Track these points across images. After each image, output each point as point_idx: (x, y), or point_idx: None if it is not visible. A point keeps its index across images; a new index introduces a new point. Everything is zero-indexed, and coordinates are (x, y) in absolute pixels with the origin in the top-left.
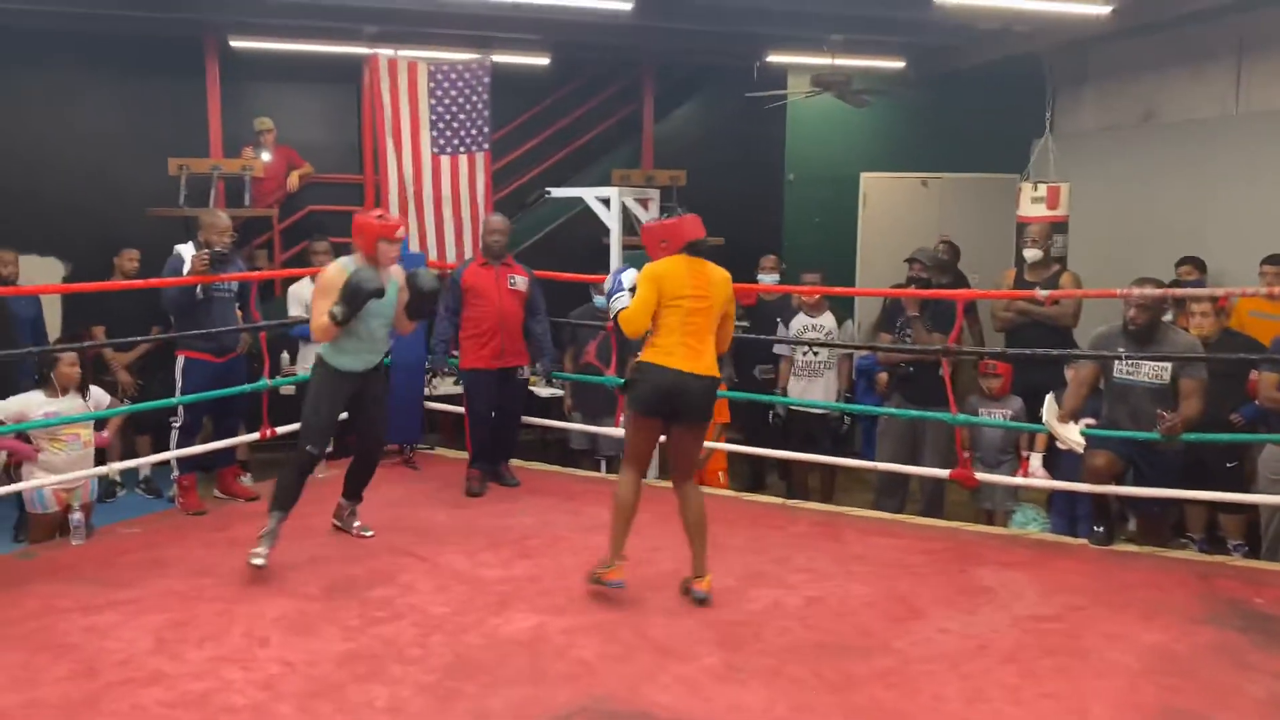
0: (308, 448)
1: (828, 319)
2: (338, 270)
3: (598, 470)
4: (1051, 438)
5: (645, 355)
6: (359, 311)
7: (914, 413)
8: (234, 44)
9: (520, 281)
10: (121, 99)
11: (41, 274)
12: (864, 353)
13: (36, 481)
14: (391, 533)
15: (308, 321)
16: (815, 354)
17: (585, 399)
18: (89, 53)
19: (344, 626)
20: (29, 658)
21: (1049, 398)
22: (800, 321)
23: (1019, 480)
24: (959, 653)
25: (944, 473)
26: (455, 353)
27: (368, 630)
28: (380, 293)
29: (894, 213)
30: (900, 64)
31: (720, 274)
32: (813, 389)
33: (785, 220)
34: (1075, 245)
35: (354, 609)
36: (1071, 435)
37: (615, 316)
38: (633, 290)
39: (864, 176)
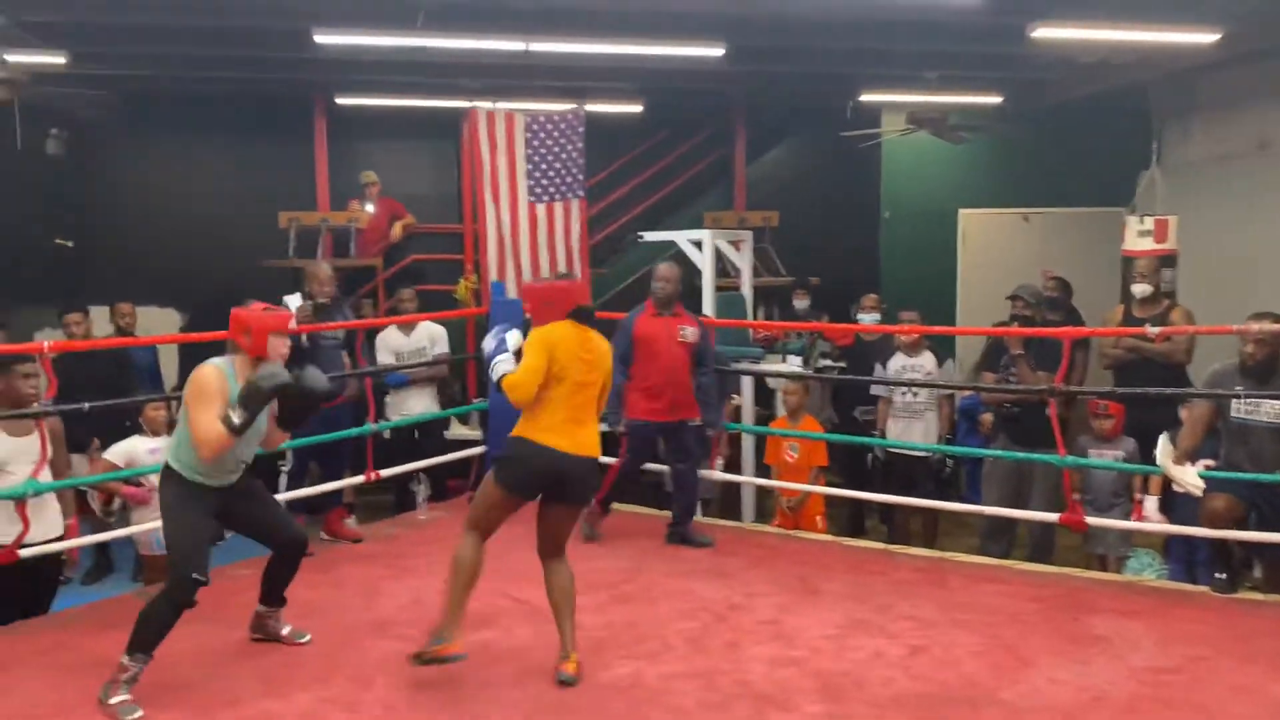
0: (194, 575)
1: (927, 359)
2: (216, 374)
3: None
4: (1167, 480)
5: (524, 430)
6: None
7: (1020, 455)
8: (340, 102)
9: (690, 333)
10: (236, 156)
11: (160, 324)
12: (966, 393)
13: (153, 524)
14: (490, 575)
15: (398, 369)
16: (914, 395)
17: None
18: (205, 114)
19: (446, 669)
20: (147, 697)
21: (1163, 438)
22: (898, 361)
23: (1133, 524)
24: (1072, 705)
25: (1053, 516)
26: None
27: (470, 674)
28: (285, 389)
29: (994, 249)
30: (998, 99)
31: (604, 345)
32: (912, 430)
33: (882, 259)
34: (1185, 280)
35: None
36: (1188, 478)
37: (499, 382)
38: (518, 354)
39: (962, 213)
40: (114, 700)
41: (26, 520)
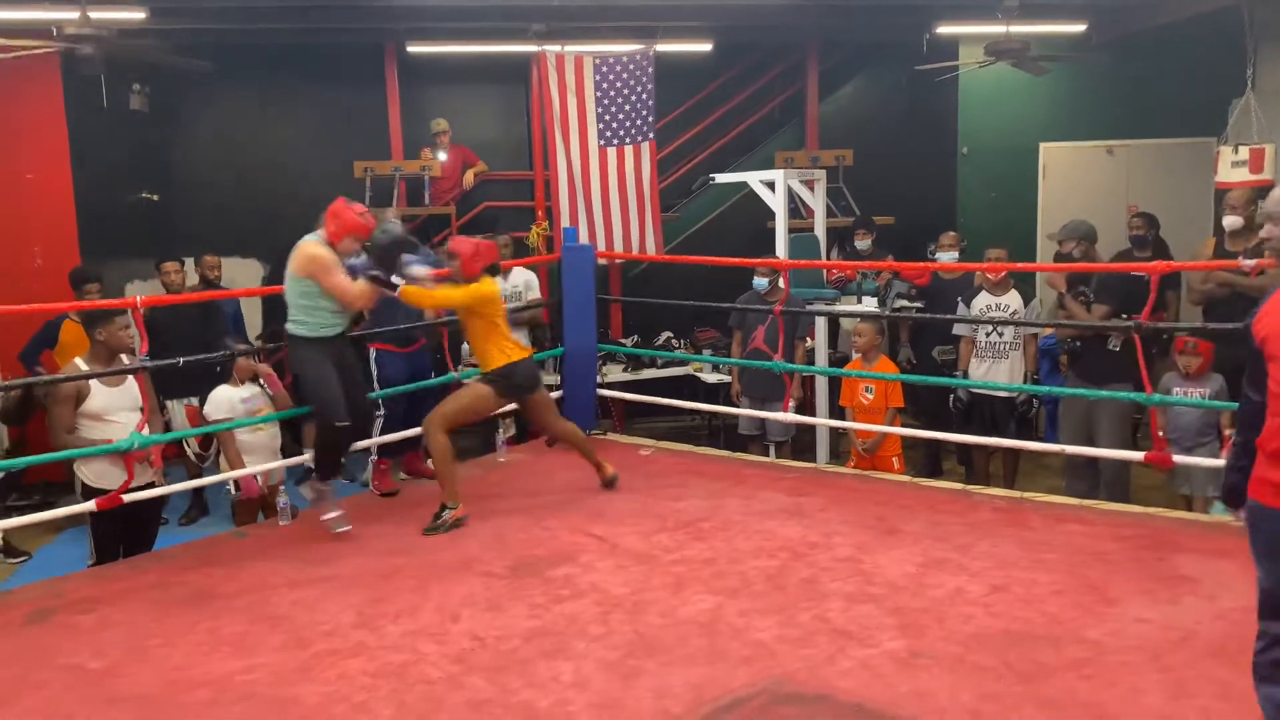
0: (336, 424)
1: (1013, 298)
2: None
3: (766, 455)
4: None
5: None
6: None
7: (1097, 393)
8: (411, 49)
9: None
10: (311, 107)
11: (243, 275)
12: (1048, 332)
13: (245, 470)
14: (570, 514)
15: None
16: (999, 334)
17: (753, 384)
18: (279, 66)
19: (529, 604)
20: (248, 628)
21: None
22: (983, 300)
23: (1220, 463)
24: (1159, 644)
25: (1138, 455)
26: None
27: (552, 608)
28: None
29: (1077, 184)
30: (1081, 27)
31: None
32: (997, 370)
33: (960, 196)
34: None
35: (538, 587)
36: None
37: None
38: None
39: (1043, 147)
40: (328, 516)
41: (131, 471)
